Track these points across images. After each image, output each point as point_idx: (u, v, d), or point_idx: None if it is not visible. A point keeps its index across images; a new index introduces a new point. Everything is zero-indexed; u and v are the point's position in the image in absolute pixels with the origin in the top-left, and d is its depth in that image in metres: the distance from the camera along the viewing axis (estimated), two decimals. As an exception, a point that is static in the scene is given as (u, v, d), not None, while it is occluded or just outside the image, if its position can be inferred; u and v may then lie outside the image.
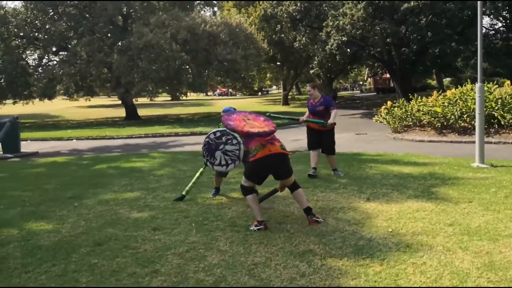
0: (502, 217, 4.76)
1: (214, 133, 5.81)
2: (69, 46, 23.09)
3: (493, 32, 27.76)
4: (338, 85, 65.38)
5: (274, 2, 27.29)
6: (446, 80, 47.47)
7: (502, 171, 7.16)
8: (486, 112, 10.67)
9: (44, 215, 5.59)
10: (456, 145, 11.07)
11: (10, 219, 5.42)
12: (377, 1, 20.40)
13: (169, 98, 49.20)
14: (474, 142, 8.26)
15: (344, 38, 22.28)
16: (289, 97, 38.33)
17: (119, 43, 22.31)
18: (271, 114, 6.63)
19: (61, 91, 24.13)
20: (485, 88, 11.08)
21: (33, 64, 24.47)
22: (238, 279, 3.52)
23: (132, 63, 20.18)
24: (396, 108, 13.59)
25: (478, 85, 7.82)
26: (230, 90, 53.90)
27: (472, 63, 30.86)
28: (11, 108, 26.49)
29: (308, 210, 4.83)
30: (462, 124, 12.01)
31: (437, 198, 5.60)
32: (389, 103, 13.90)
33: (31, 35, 23.08)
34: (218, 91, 60.85)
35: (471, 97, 11.64)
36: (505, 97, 11.52)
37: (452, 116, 12.00)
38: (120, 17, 24.42)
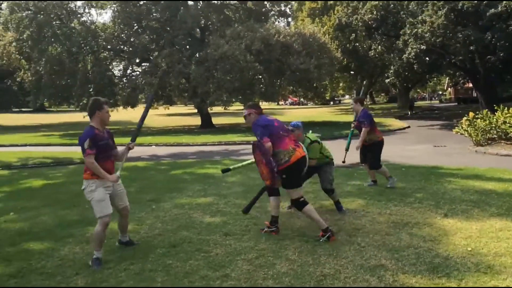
0: None
1: None
2: (151, 57, 24.49)
3: None
4: (415, 94, 62.78)
5: (349, 11, 26.96)
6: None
7: None
8: None
9: None
10: (548, 161, 10.16)
11: (95, 219, 5.83)
12: (460, 7, 19.37)
13: (242, 107, 50.39)
14: None
15: (423, 47, 21.37)
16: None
17: (197, 55, 23.25)
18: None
19: (143, 99, 25.63)
20: None
21: (119, 74, 26.27)
22: (307, 289, 3.52)
23: (208, 74, 20.94)
24: (479, 120, 12.76)
25: None
26: (301, 99, 53.79)
27: None
28: (98, 115, 28.56)
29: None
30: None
31: (524, 217, 5.18)
32: (471, 114, 13.09)
33: (117, 47, 24.84)
34: (289, 100, 61.00)
35: None
36: None
37: (544, 129, 11.03)
38: (198, 30, 25.49)
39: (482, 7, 19.39)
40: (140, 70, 25.89)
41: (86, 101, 24.71)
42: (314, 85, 24.11)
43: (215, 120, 28.00)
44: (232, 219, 5.54)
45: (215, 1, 24.12)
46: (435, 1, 20.69)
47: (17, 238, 5.13)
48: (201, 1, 24.21)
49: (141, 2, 23.31)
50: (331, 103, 60.28)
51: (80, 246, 4.78)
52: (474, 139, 12.76)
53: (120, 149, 4.65)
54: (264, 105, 56.44)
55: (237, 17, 25.78)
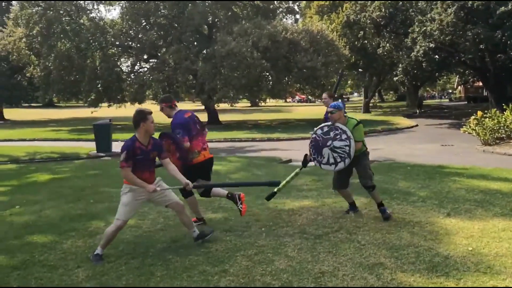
0: None
1: (322, 128, 5.22)
2: (159, 54, 24.55)
3: None
4: (425, 93, 62.25)
5: (357, 8, 26.79)
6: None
7: None
8: None
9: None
10: (556, 161, 10.04)
11: (98, 213, 5.91)
12: (469, 5, 19.16)
13: (249, 104, 50.29)
14: None
15: (432, 45, 21.21)
16: (371, 104, 37.21)
17: (204, 51, 23.27)
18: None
19: (150, 96, 25.72)
20: None
21: (126, 70, 26.37)
22: (304, 286, 3.53)
23: (215, 71, 20.94)
24: (487, 119, 12.65)
25: None
26: (309, 97, 53.63)
27: None
28: (106, 111, 28.71)
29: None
30: None
31: (527, 217, 5.14)
32: (479, 113, 12.98)
33: (125, 44, 24.94)
34: (297, 97, 60.82)
35: None
36: None
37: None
38: (205, 27, 25.50)
39: (492, 5, 19.19)
40: (148, 67, 25.96)
41: (94, 96, 24.92)
42: (322, 82, 24.01)
43: (222, 117, 28.04)
44: (233, 216, 5.56)
45: (223, -1, 24.10)
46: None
47: (22, 231, 5.20)
48: (209, -2, 24.24)
49: (149, -1, 23.36)
50: (339, 100, 59.98)
51: (83, 240, 4.83)
52: (482, 138, 12.65)
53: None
54: (271, 102, 56.38)
55: (245, 14, 25.73)
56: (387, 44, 26.18)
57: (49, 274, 3.92)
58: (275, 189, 5.34)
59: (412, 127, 21.20)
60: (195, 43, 24.20)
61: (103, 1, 25.29)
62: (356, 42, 28.68)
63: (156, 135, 4.62)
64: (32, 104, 50.51)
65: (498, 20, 19.03)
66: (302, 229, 4.97)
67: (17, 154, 12.82)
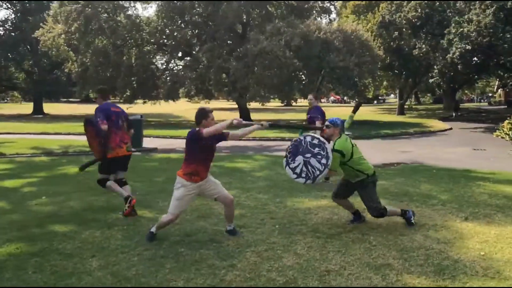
0: None
1: (313, 137, 4.97)
2: (193, 52, 24.94)
3: None
4: (463, 96, 60.35)
5: (393, 8, 26.28)
6: None
7: None
8: None
9: (148, 205, 6.19)
10: None
11: (119, 205, 6.09)
12: (509, 6, 18.45)
13: (282, 104, 50.24)
14: None
15: (468, 47, 20.54)
16: (406, 106, 36.41)
17: (239, 49, 23.43)
18: None
19: (184, 93, 26.20)
20: None
21: (161, 68, 26.94)
22: (308, 283, 3.56)
23: (247, 69, 21.07)
24: (522, 123, 12.19)
25: None
26: (344, 97, 52.97)
27: None
28: (141, 108, 29.44)
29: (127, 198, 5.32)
30: None
31: (551, 226, 4.96)
32: (514, 117, 12.52)
33: (160, 41, 25.45)
34: (331, 98, 60.29)
35: None
36: None
37: None
38: (239, 25, 25.69)
39: (534, 6, 18.45)
40: (182, 64, 26.41)
41: (130, 93, 25.58)
42: (354, 83, 23.72)
43: (254, 116, 28.18)
44: (249, 213, 5.63)
45: (258, -1, 24.19)
46: (483, 0, 19.83)
47: (45, 220, 5.45)
48: (243, -3, 24.39)
49: (185, -3, 23.73)
50: (375, 102, 59.00)
51: (101, 231, 5.01)
52: (516, 143, 12.20)
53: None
54: (304, 102, 56.09)
55: (279, 13, 25.74)
56: (423, 45, 25.52)
57: (64, 262, 4.10)
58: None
59: (445, 130, 20.64)
60: (229, 41, 24.43)
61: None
62: (391, 43, 28.14)
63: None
64: (70, 99, 52.30)
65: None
66: (315, 228, 4.99)
67: (51, 147, 13.36)
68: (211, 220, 5.36)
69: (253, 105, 26.46)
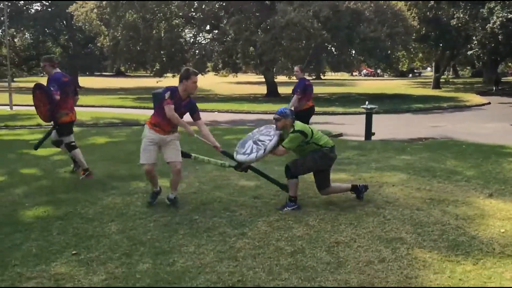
0: None
1: (259, 127, 5.25)
2: (220, 25, 24.76)
3: None
4: (506, 69, 57.54)
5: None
6: None
7: None
8: None
9: (169, 174, 6.27)
10: None
11: (141, 175, 6.20)
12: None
13: (312, 77, 49.49)
14: None
15: (511, 15, 19.50)
16: (442, 80, 35.14)
17: (267, 21, 23.08)
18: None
19: (211, 67, 26.22)
20: None
21: (189, 41, 26.93)
22: (315, 254, 3.57)
23: (274, 42, 20.78)
24: None
25: None
26: (378, 70, 51.60)
27: None
28: (171, 81, 29.68)
29: None
30: None
31: None
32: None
33: (189, 15, 25.35)
34: (364, 71, 58.79)
35: None
36: None
37: None
38: (268, -4, 25.25)
39: None
40: (210, 37, 26.32)
41: (159, 66, 25.81)
42: (387, 55, 23.04)
43: (282, 90, 27.95)
44: (265, 184, 5.63)
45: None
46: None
47: (71, 186, 5.67)
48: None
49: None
50: (410, 75, 57.21)
51: (121, 198, 5.16)
52: (555, 118, 11.63)
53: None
54: (335, 75, 55.05)
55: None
56: (462, 15, 24.38)
57: (86, 225, 4.27)
58: (193, 156, 5.15)
59: (483, 105, 19.91)
60: (256, 13, 24.06)
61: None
62: (427, 13, 27.05)
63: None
64: (104, 73, 53.32)
65: None
66: (329, 201, 4.96)
67: (83, 119, 13.72)
68: (227, 190, 5.42)
69: (280, 78, 26.15)
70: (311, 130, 4.74)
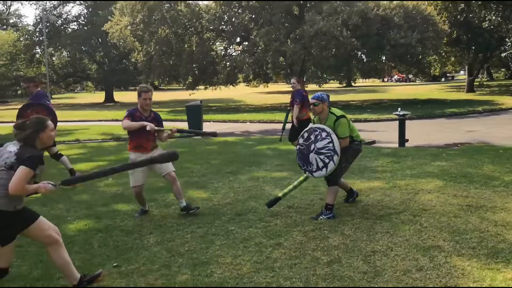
0: None
1: (302, 135, 4.96)
2: (250, 37, 25.04)
3: None
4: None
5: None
6: None
7: None
8: None
9: (204, 185, 6.45)
10: None
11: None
12: None
13: (342, 85, 49.17)
14: None
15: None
16: (477, 83, 34.17)
17: (296, 31, 23.18)
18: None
19: (242, 78, 26.49)
20: None
21: (220, 54, 27.35)
22: (352, 263, 3.59)
23: (304, 51, 20.84)
24: None
25: None
26: (409, 76, 50.73)
27: None
28: (203, 93, 30.21)
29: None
30: None
31: None
32: None
33: (219, 28, 25.76)
34: (395, 76, 57.90)
35: None
36: None
37: None
38: (296, 7, 25.35)
39: None
40: (240, 49, 26.65)
41: (191, 79, 26.31)
42: (418, 60, 22.67)
43: (313, 98, 27.91)
44: (299, 194, 5.70)
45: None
46: None
47: (110, 199, 5.89)
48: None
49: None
50: (442, 79, 55.91)
51: (159, 210, 5.33)
52: None
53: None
54: (367, 82, 54.46)
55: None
56: (494, 17, 23.75)
57: (125, 238, 4.44)
58: (280, 194, 5.05)
59: (520, 107, 19.22)
60: (285, 24, 24.20)
61: (199, -13, 26.42)
62: (458, 16, 26.46)
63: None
64: (138, 88, 54.66)
65: None
66: (365, 209, 4.96)
67: (119, 133, 14.15)
68: (262, 200, 5.49)
69: (311, 87, 26.14)
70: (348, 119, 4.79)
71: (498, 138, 10.77)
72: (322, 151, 4.65)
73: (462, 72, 70.00)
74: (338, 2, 21.10)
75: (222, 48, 28.23)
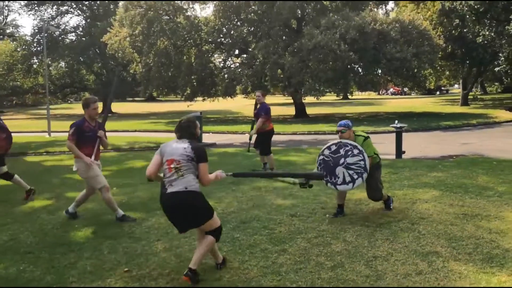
0: None
1: (329, 147, 5.11)
2: (249, 49, 25.39)
3: None
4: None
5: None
6: None
7: None
8: None
9: (207, 195, 6.43)
10: None
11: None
12: None
13: (339, 98, 49.62)
14: None
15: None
16: (471, 97, 34.66)
17: (294, 45, 23.54)
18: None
19: (240, 90, 26.76)
20: None
21: (219, 66, 27.67)
22: (355, 268, 3.76)
23: (302, 64, 21.15)
24: None
25: None
26: (404, 89, 51.31)
27: None
28: (201, 105, 30.42)
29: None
30: None
31: None
32: None
33: (218, 40, 26.15)
34: (391, 90, 58.55)
35: None
36: None
37: None
38: (294, 21, 25.77)
39: None
40: (239, 62, 26.98)
41: (190, 91, 26.58)
42: (413, 73, 23.05)
43: (310, 110, 28.22)
44: (301, 203, 5.88)
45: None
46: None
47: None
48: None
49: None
50: (437, 93, 56.55)
51: (165, 218, 5.42)
52: None
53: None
54: (363, 95, 54.96)
55: (333, 6, 25.51)
56: (488, 32, 24.24)
57: (134, 245, 4.59)
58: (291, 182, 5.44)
59: (513, 121, 19.57)
60: (284, 37, 24.59)
61: (198, 0, 26.73)
62: (453, 31, 26.98)
63: None
64: (136, 99, 54.92)
65: None
66: (365, 218, 5.14)
67: (119, 143, 14.32)
68: (264, 209, 5.67)
69: (308, 99, 26.43)
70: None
71: (492, 150, 11.01)
72: (352, 166, 4.93)
73: (456, 85, 70.78)
74: (335, 16, 21.48)
75: (220, 60, 28.58)
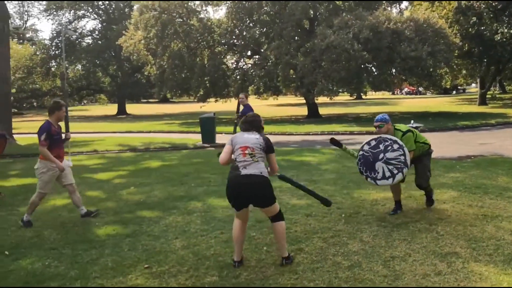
0: None
1: (368, 143, 5.08)
2: (261, 50, 25.42)
3: None
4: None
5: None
6: None
7: None
8: None
9: (223, 194, 6.48)
10: None
11: (197, 195, 6.64)
12: None
13: (353, 98, 49.36)
14: None
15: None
16: (489, 96, 34.13)
17: (307, 45, 23.48)
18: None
19: (253, 90, 26.80)
20: None
21: (232, 67, 27.76)
22: (372, 267, 3.74)
23: (314, 64, 21.08)
24: None
25: None
26: (420, 88, 50.74)
27: None
28: (214, 106, 30.52)
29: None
30: None
31: None
32: None
33: (230, 41, 26.24)
34: (405, 89, 57.91)
35: None
36: None
37: None
38: (306, 21, 25.71)
39: None
40: (251, 63, 27.02)
41: (203, 92, 26.73)
42: (427, 73, 22.79)
43: (323, 110, 28.10)
44: (316, 202, 5.78)
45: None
46: None
47: (134, 207, 6.10)
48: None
49: (253, -3, 24.24)
50: (454, 92, 55.82)
51: (182, 217, 5.52)
52: None
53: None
54: (376, 95, 54.52)
55: (346, 6, 25.39)
56: (506, 29, 23.85)
57: (153, 242, 4.63)
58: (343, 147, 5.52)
59: (532, 120, 19.21)
60: (296, 37, 24.55)
61: (210, 2, 26.85)
62: (470, 29, 26.60)
63: None
64: (150, 100, 55.44)
65: None
66: (381, 218, 5.11)
67: (135, 144, 14.47)
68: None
69: (321, 99, 26.32)
70: (413, 130, 5.16)
71: (511, 150, 10.83)
72: (392, 161, 4.87)
73: (473, 85, 69.81)
74: (348, 16, 21.38)
75: (233, 61, 28.66)
